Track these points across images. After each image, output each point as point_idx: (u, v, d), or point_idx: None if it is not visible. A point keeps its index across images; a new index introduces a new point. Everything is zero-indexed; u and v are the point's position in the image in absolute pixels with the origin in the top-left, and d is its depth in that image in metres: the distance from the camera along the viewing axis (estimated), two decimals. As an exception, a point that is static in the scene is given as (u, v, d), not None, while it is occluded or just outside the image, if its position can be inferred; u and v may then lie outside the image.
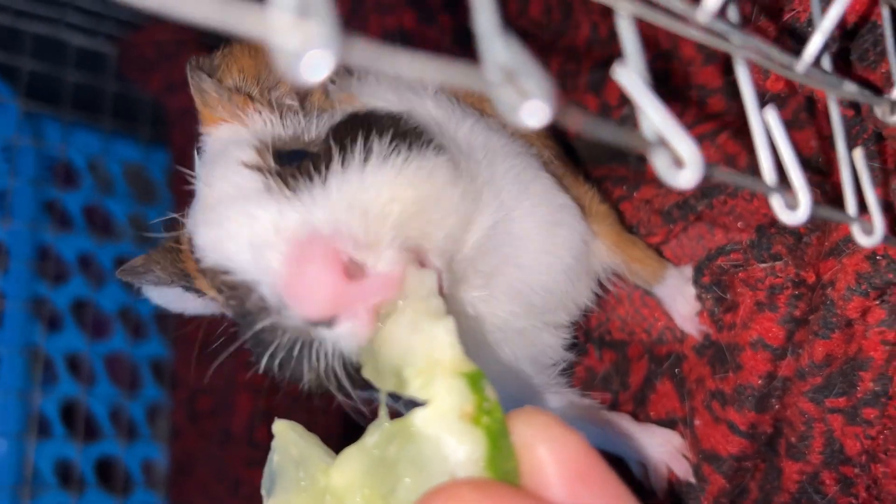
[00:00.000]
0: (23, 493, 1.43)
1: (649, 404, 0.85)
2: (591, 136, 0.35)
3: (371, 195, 0.57)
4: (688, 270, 0.81)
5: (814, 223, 0.73)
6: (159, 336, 1.66)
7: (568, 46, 1.12)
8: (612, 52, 1.02)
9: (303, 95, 0.70)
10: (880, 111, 0.51)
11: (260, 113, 0.68)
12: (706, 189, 0.80)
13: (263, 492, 0.52)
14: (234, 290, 0.59)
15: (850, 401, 0.72)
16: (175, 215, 0.70)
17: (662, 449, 0.80)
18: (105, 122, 1.59)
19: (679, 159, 0.36)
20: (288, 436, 0.52)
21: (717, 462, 0.77)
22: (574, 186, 0.80)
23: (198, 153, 0.68)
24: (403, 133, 0.62)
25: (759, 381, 0.73)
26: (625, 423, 0.82)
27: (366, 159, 0.58)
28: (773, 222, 0.74)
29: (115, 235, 1.63)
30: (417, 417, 0.45)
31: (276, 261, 0.54)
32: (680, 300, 0.81)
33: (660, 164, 0.36)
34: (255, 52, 0.71)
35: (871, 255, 0.64)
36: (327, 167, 0.58)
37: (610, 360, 0.91)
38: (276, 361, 0.58)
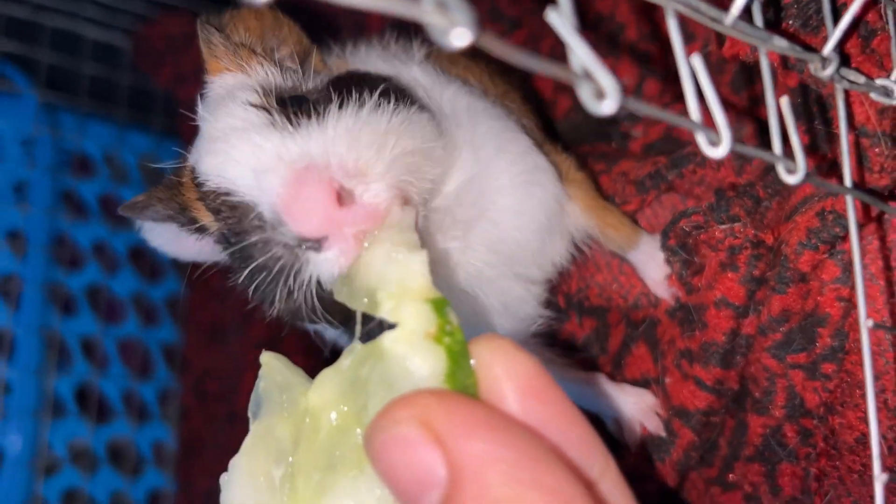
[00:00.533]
0: (38, 470, 1.48)
1: (625, 367, 0.90)
2: (522, 66, 0.40)
3: (364, 134, 0.63)
4: (659, 238, 0.86)
5: (773, 188, 0.77)
6: (171, 322, 1.71)
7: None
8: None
9: (302, 59, 0.75)
10: (812, 67, 0.56)
11: (262, 65, 0.73)
12: (676, 159, 0.84)
13: (250, 415, 0.55)
14: (233, 210, 0.65)
15: (810, 356, 0.76)
16: (181, 151, 0.74)
17: (636, 406, 0.84)
18: (120, 113, 1.65)
19: (601, 90, 0.41)
20: (273, 365, 0.55)
21: (685, 417, 0.81)
22: (553, 153, 0.84)
23: (201, 98, 0.73)
24: (394, 90, 0.69)
25: (723, 338, 0.77)
26: (601, 381, 0.87)
27: (360, 107, 0.65)
28: (733, 186, 0.79)
29: (128, 224, 1.67)
30: (386, 339, 0.48)
31: (276, 183, 0.60)
32: (652, 265, 0.85)
33: (584, 94, 0.41)
34: (261, 15, 0.77)
35: (821, 212, 0.68)
36: (325, 109, 0.64)
37: (590, 327, 0.95)
38: (257, 281, 0.64)
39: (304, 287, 0.63)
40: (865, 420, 0.73)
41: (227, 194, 0.64)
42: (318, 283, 0.62)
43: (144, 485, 1.61)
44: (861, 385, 0.74)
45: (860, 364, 0.74)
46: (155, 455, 1.64)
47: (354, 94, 0.65)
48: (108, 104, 1.63)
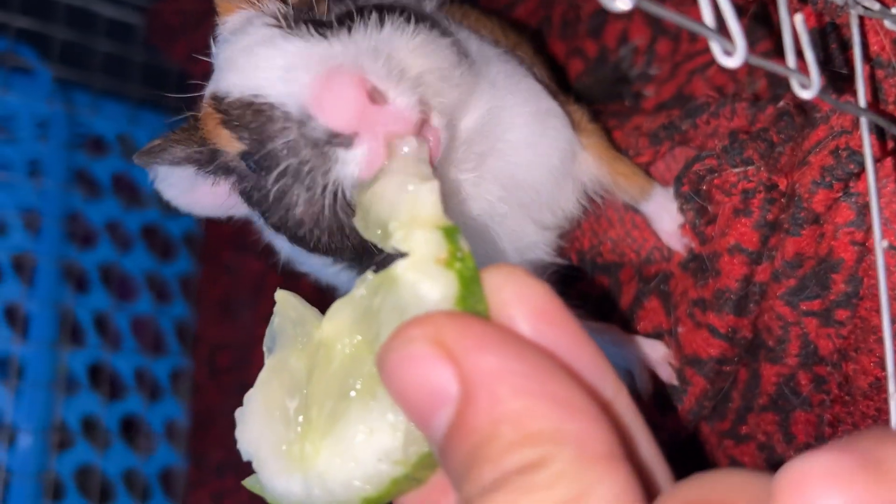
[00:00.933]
0: (51, 445, 1.49)
1: (637, 321, 0.89)
2: None
3: (393, 46, 0.63)
4: (672, 189, 0.86)
5: (787, 133, 0.77)
6: (183, 300, 1.72)
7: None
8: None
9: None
10: (827, -9, 0.56)
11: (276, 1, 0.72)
12: (690, 109, 0.84)
13: (265, 349, 0.55)
14: (257, 116, 0.63)
15: (824, 303, 0.75)
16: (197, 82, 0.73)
17: (648, 357, 0.84)
18: (133, 92, 1.66)
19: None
20: (288, 301, 0.55)
21: (698, 365, 0.81)
22: (565, 104, 0.85)
23: (214, 41, 0.72)
24: (417, 15, 0.68)
25: (737, 285, 0.77)
26: (613, 332, 0.87)
27: (388, 21, 0.64)
28: (746, 130, 0.78)
29: (141, 203, 1.69)
30: (398, 266, 0.48)
31: (307, 79, 0.59)
32: (664, 216, 0.85)
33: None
34: None
35: (835, 150, 0.68)
36: (353, 22, 0.63)
37: (602, 285, 0.95)
38: (280, 185, 0.63)
39: (330, 190, 0.61)
40: (880, 364, 0.73)
41: (252, 102, 0.63)
42: (343, 193, 0.62)
43: (157, 461, 1.62)
44: (875, 330, 0.73)
45: (875, 310, 0.74)
46: (167, 432, 1.65)
47: (377, 17, 0.64)
48: (121, 82, 1.64)
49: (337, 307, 0.52)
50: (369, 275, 0.52)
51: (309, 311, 0.55)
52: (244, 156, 0.66)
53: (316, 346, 0.53)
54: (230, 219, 0.82)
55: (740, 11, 0.79)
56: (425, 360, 0.40)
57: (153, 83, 1.67)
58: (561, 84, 0.96)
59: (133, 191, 1.70)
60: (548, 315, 0.44)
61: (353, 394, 0.48)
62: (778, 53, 0.86)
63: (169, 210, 1.70)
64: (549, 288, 0.45)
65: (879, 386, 0.73)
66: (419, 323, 0.42)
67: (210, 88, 0.69)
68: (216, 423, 1.55)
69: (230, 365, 1.56)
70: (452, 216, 0.52)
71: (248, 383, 1.63)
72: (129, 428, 1.62)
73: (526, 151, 0.77)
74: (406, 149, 0.58)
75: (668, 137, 0.85)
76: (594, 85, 1.06)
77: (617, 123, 0.93)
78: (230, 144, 0.67)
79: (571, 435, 0.38)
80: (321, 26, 0.64)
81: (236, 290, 1.58)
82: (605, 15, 1.07)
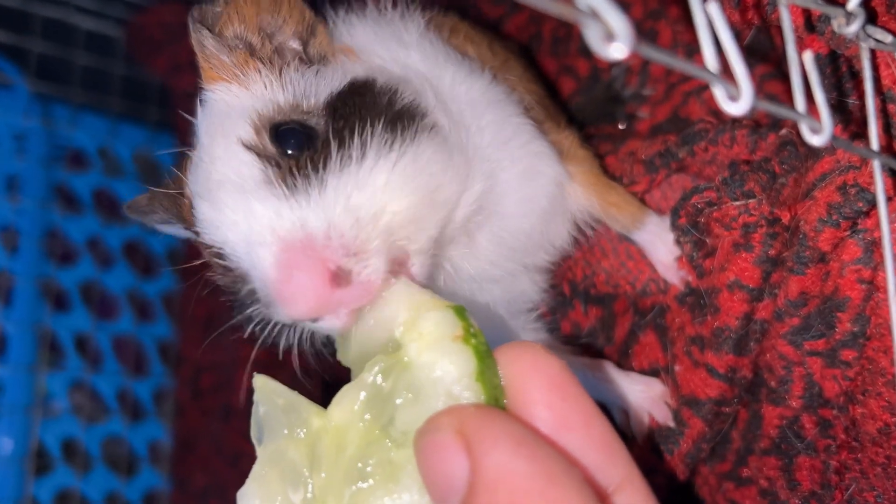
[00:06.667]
0: (30, 470, 1.45)
1: (633, 356, 0.86)
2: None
3: (365, 197, 0.61)
4: (668, 219, 0.82)
5: (790, 164, 0.73)
6: (166, 318, 1.68)
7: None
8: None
9: (306, 38, 0.72)
10: (836, 24, 0.52)
11: (260, 73, 0.69)
12: (687, 136, 0.80)
13: (254, 440, 0.54)
14: (227, 270, 0.64)
15: (829, 343, 0.71)
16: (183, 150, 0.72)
17: (643, 395, 0.81)
18: (113, 105, 1.61)
19: (611, 32, 0.37)
20: (270, 387, 0.54)
21: (696, 406, 0.77)
22: (554, 131, 0.81)
23: (200, 103, 0.70)
24: (399, 115, 0.65)
25: (737, 323, 0.73)
26: (607, 369, 0.83)
27: (363, 154, 0.62)
28: (747, 161, 0.74)
29: (122, 218, 1.65)
30: (411, 349, 0.49)
31: (268, 262, 0.59)
32: (660, 246, 0.81)
33: (592, 36, 0.37)
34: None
35: (842, 186, 0.64)
36: (325, 163, 0.61)
37: (595, 316, 0.91)
38: (259, 328, 0.65)
39: (304, 337, 0.65)
40: (890, 409, 0.69)
41: (221, 253, 0.63)
42: (311, 338, 0.65)
43: (140, 484, 1.58)
44: (884, 373, 0.69)
45: (883, 350, 0.70)
46: (150, 454, 1.61)
47: (357, 135, 0.62)
48: (101, 95, 1.60)
49: (345, 392, 0.51)
50: (380, 361, 0.51)
51: (296, 397, 0.53)
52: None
53: (317, 434, 0.52)
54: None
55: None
56: (447, 447, 0.43)
57: (134, 97, 1.63)
58: (554, 96, 0.92)
59: (114, 206, 1.66)
60: (561, 389, 0.47)
61: (371, 480, 0.48)
62: (774, 77, 0.82)
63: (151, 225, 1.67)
64: (563, 362, 0.48)
65: (889, 432, 0.69)
66: (449, 412, 0.45)
67: (190, 185, 0.68)
68: (199, 446, 1.51)
69: (213, 386, 1.51)
70: (446, 289, 0.52)
71: (232, 406, 1.59)
72: (111, 450, 1.58)
73: (518, 205, 0.76)
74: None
75: (664, 165, 0.81)
76: (586, 105, 1.02)
77: (611, 148, 0.89)
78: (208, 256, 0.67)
79: None
80: (297, 148, 0.63)
81: (219, 310, 1.54)
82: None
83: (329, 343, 0.67)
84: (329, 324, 0.59)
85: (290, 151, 0.63)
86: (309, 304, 0.57)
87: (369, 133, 0.62)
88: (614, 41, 0.37)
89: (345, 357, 0.58)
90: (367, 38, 0.77)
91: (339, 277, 0.57)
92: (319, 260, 0.57)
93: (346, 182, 0.60)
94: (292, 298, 0.57)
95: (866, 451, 0.70)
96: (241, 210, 0.61)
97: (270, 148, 0.63)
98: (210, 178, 0.64)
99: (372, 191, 0.61)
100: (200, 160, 0.66)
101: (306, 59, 0.71)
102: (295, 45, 0.72)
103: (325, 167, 0.61)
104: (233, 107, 0.68)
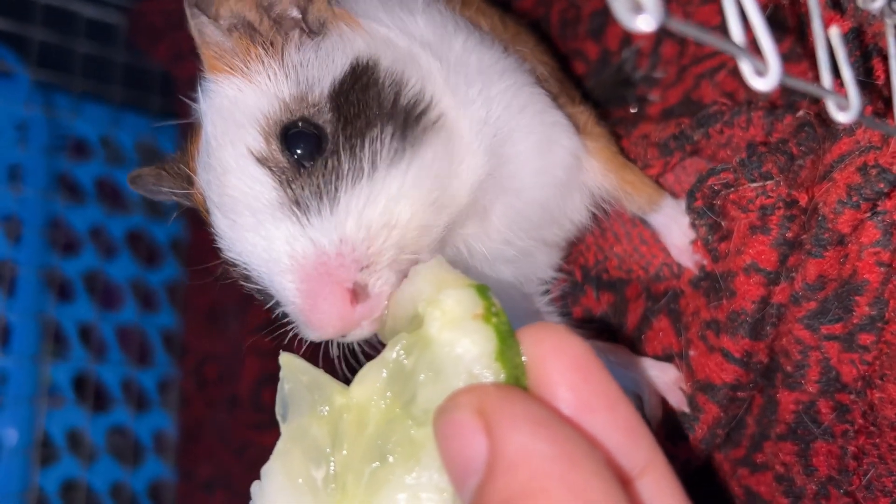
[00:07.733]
0: (35, 460, 1.44)
1: (646, 342, 0.85)
2: None
3: (377, 212, 0.63)
4: (684, 202, 0.81)
5: (808, 146, 0.72)
6: (170, 307, 1.67)
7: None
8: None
9: (304, 7, 0.70)
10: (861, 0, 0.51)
11: (262, 61, 0.68)
12: (702, 118, 0.79)
13: (279, 417, 0.53)
14: (247, 277, 0.67)
15: (846, 327, 0.71)
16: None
17: (658, 380, 0.80)
18: (115, 94, 1.60)
19: (638, 3, 0.36)
20: (295, 365, 0.54)
21: (711, 391, 0.76)
22: (569, 105, 0.80)
23: (200, 88, 0.69)
24: (405, 114, 0.66)
25: (753, 307, 0.72)
26: (620, 353, 0.82)
27: (373, 166, 0.63)
28: (764, 143, 0.73)
29: (126, 207, 1.64)
30: (432, 327, 0.48)
31: (291, 292, 0.62)
32: (675, 230, 0.80)
33: (618, 7, 0.36)
34: None
35: (863, 167, 0.63)
36: (336, 176, 0.63)
37: (607, 302, 0.90)
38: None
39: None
40: (908, 393, 0.68)
41: (246, 275, 0.66)
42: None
43: (145, 474, 1.57)
44: (902, 356, 0.69)
45: (901, 333, 0.69)
46: (155, 444, 1.60)
47: (365, 133, 0.63)
48: (103, 84, 1.59)
49: (367, 370, 0.51)
50: (401, 338, 0.51)
51: (320, 374, 0.53)
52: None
53: (339, 411, 0.51)
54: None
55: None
56: (466, 427, 0.42)
57: (136, 85, 1.62)
58: (567, 72, 0.90)
59: (117, 195, 1.65)
60: (584, 370, 0.45)
61: (391, 458, 0.47)
62: (793, 58, 0.81)
63: (154, 215, 1.66)
64: (586, 344, 0.46)
65: (907, 417, 0.68)
66: (469, 391, 0.44)
67: (200, 177, 0.69)
68: (204, 436, 1.51)
69: (218, 377, 1.51)
70: (461, 269, 0.52)
71: (236, 395, 1.58)
72: (116, 440, 1.57)
73: (533, 177, 0.74)
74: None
75: (678, 148, 0.80)
76: (596, 88, 1.00)
77: (623, 132, 0.88)
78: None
79: None
80: (308, 155, 0.64)
81: (224, 300, 1.53)
82: (606, 14, 1.01)
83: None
84: (356, 336, 0.63)
85: (301, 161, 0.64)
86: (336, 327, 0.61)
87: (378, 142, 0.63)
88: (642, 13, 0.36)
89: (381, 332, 0.61)
90: (371, 4, 0.76)
91: (357, 293, 0.61)
92: (338, 284, 0.60)
93: (357, 196, 0.62)
94: (319, 324, 0.61)
95: (884, 435, 0.69)
96: (258, 233, 0.63)
97: (281, 159, 0.64)
98: (224, 193, 0.65)
99: (384, 204, 0.63)
100: (210, 166, 0.67)
101: (306, 29, 0.70)
102: (294, 13, 0.71)
103: (336, 180, 0.62)
104: (238, 105, 0.67)
